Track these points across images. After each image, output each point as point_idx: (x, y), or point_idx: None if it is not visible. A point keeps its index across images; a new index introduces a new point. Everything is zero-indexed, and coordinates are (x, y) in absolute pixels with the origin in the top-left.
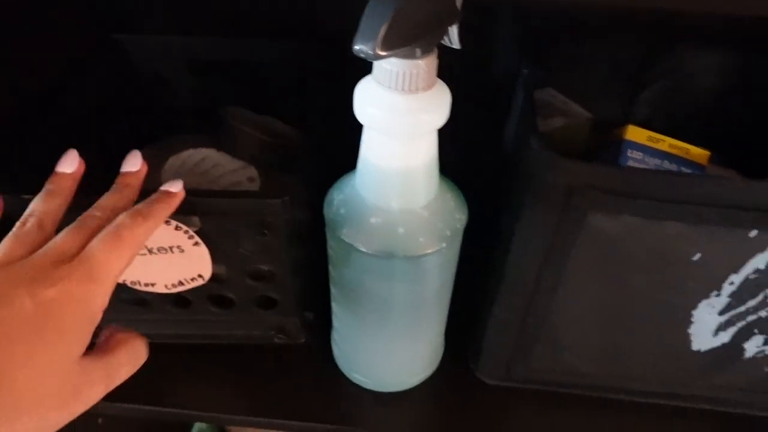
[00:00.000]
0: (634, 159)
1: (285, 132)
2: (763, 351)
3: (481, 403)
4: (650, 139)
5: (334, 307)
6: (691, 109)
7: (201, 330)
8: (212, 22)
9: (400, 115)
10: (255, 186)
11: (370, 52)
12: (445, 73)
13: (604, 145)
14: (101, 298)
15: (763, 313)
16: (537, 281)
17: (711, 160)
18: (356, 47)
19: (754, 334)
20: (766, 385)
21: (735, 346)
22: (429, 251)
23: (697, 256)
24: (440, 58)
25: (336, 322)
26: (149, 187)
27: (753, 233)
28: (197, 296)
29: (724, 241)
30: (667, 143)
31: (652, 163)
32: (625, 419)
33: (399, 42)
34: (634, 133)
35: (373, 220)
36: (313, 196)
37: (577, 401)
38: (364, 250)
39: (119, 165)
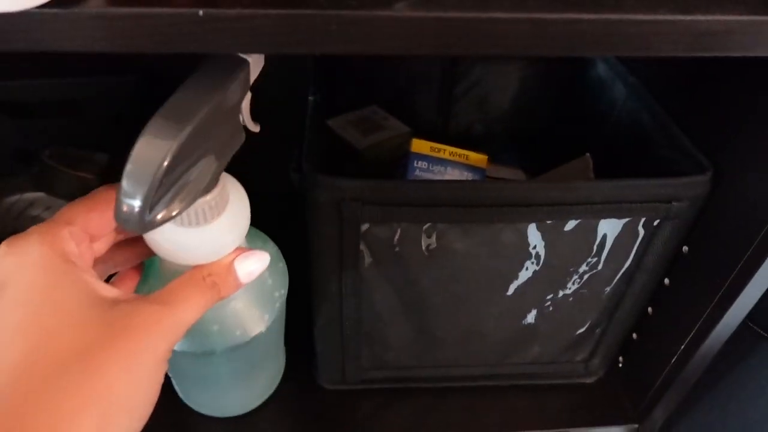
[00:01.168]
0: (420, 168)
1: (111, 165)
2: (555, 324)
3: (323, 408)
4: (432, 149)
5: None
6: (502, 114)
7: None
8: (26, 63)
9: (197, 248)
10: None
11: (134, 221)
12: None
13: (400, 158)
14: None
15: (549, 297)
16: (339, 288)
17: (495, 161)
18: (118, 219)
19: (546, 315)
20: (559, 356)
21: (530, 327)
22: (250, 337)
23: (471, 253)
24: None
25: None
26: None
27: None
28: None
29: (490, 236)
30: (447, 152)
31: (437, 170)
32: (449, 402)
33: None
34: (419, 146)
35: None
36: None
37: (407, 393)
38: (187, 350)
39: None
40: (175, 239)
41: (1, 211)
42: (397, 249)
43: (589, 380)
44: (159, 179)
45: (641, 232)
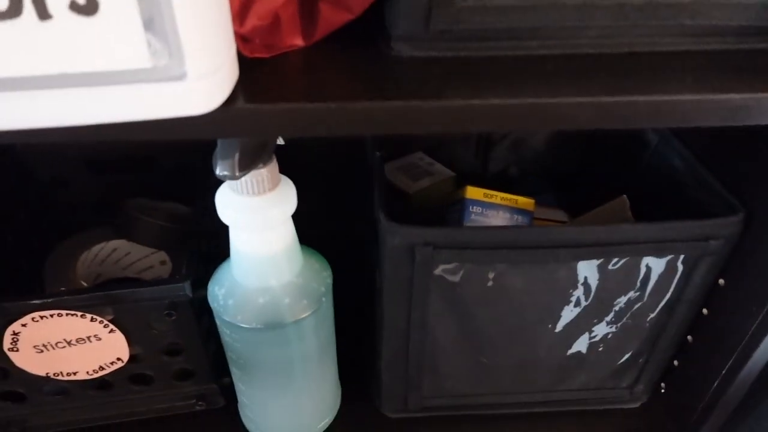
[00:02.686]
0: (475, 213)
1: (185, 213)
2: (601, 353)
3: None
4: (486, 195)
5: (238, 384)
6: (536, 156)
7: (124, 409)
8: None
9: (254, 213)
10: (167, 267)
11: (229, 174)
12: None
13: (455, 203)
14: None
15: (598, 327)
16: (407, 323)
17: (539, 203)
18: (219, 173)
19: (593, 344)
20: (605, 383)
21: (578, 356)
22: (313, 310)
23: (528, 290)
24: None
25: (241, 396)
26: (64, 285)
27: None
28: (118, 378)
29: (544, 274)
30: (499, 197)
31: (490, 214)
32: (503, 428)
33: (248, 164)
34: (473, 192)
35: (261, 300)
36: (211, 271)
37: (465, 420)
38: (260, 327)
39: (22, 267)
40: (239, 206)
41: (90, 258)
42: (461, 288)
43: (633, 405)
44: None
45: (680, 267)
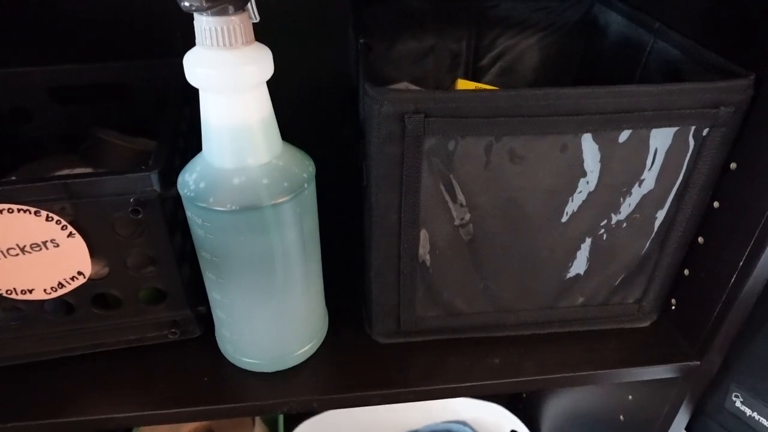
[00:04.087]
0: None
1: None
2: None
3: (378, 363)
4: (478, 88)
5: (214, 295)
6: (527, 83)
7: (89, 339)
8: (70, 49)
9: (226, 69)
10: None
11: (196, 3)
12: None
13: None
14: None
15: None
16: (398, 216)
17: None
18: (184, 3)
19: (600, 244)
20: (611, 297)
21: (584, 260)
22: (294, 194)
23: (528, 171)
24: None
25: (219, 311)
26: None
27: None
28: (80, 299)
29: (546, 150)
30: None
31: None
32: (504, 351)
33: None
34: (464, 85)
35: (236, 180)
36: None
37: (461, 344)
38: (236, 208)
39: None
40: (209, 61)
41: None
42: (455, 167)
43: (643, 324)
44: None
45: (691, 143)
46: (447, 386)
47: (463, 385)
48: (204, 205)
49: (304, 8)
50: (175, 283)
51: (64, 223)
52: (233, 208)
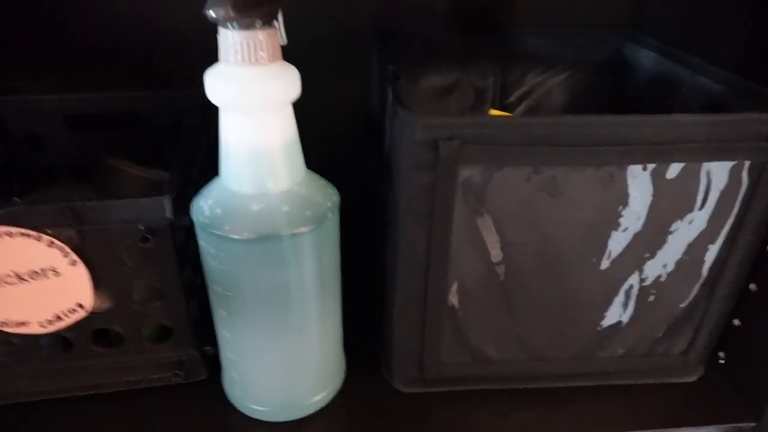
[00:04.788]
0: None
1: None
2: (653, 303)
3: (398, 414)
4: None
5: (224, 333)
6: None
7: (88, 379)
8: (87, 77)
9: (248, 86)
10: None
11: (222, 12)
12: None
13: None
14: None
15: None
16: (427, 249)
17: None
18: (209, 10)
19: (643, 288)
20: (655, 347)
21: (626, 304)
22: (316, 225)
23: (568, 205)
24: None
25: (228, 351)
26: None
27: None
28: (79, 334)
29: (589, 183)
30: None
31: None
32: (537, 405)
33: (246, 5)
34: (496, 114)
35: (255, 207)
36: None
37: (490, 396)
38: (253, 237)
39: None
40: (231, 77)
41: None
42: (490, 200)
43: (689, 378)
44: None
45: (745, 180)
46: None
47: None
48: (219, 232)
49: (327, 39)
50: (182, 320)
51: (67, 250)
52: (250, 236)
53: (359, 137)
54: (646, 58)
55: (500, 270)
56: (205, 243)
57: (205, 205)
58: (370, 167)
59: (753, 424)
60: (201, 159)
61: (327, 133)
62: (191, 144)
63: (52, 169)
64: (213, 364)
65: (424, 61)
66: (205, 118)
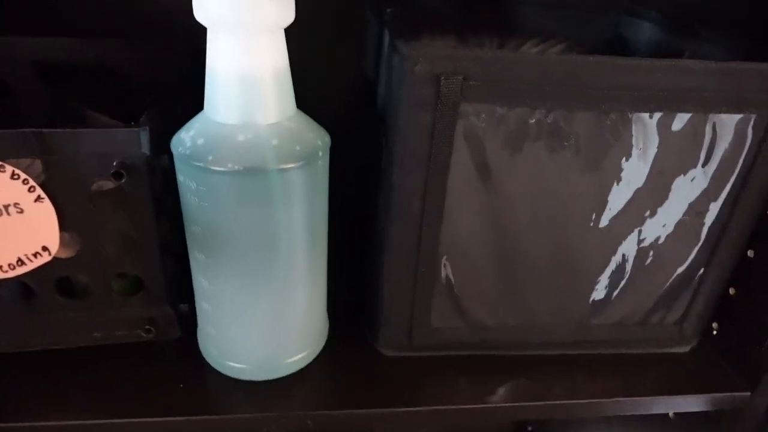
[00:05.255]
0: None
1: None
2: (650, 266)
3: (383, 379)
4: None
5: (201, 281)
6: None
7: (50, 333)
8: (63, 23)
9: (240, 1)
10: None
11: None
12: None
13: None
14: None
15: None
16: (422, 200)
17: None
18: None
19: (641, 250)
20: (650, 315)
21: (622, 267)
22: (304, 162)
23: (578, 152)
24: None
25: (205, 302)
26: None
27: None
28: (43, 281)
29: (593, 129)
30: None
31: None
32: (530, 373)
33: None
34: None
35: (241, 137)
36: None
37: (484, 362)
38: (238, 168)
39: None
40: None
41: None
42: (492, 147)
43: (683, 348)
44: None
45: (750, 136)
46: (463, 407)
47: (483, 406)
48: (201, 164)
49: (323, 3)
50: (156, 273)
51: (32, 183)
52: (235, 168)
53: (353, 102)
54: (645, 31)
55: (497, 227)
56: (184, 177)
57: (186, 137)
58: (362, 131)
59: (748, 393)
60: (180, 112)
61: (320, 98)
62: (172, 95)
63: (19, 119)
64: (188, 325)
65: (422, 27)
66: (190, 73)
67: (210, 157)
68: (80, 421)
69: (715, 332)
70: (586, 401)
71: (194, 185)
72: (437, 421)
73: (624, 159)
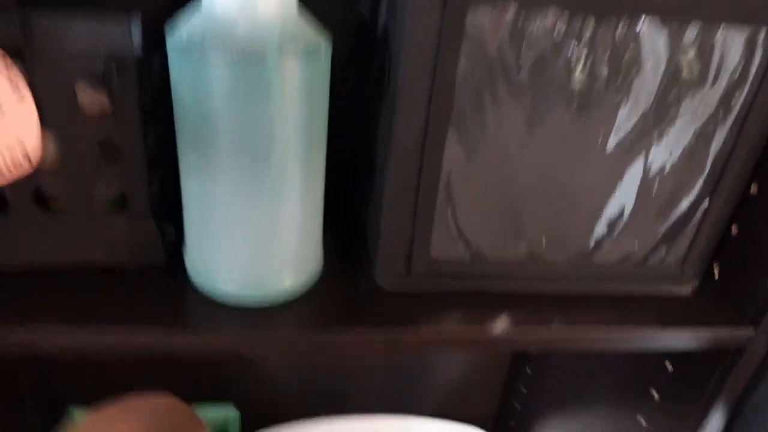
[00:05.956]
0: None
1: None
2: (656, 198)
3: (380, 311)
4: None
5: (191, 186)
6: None
7: (23, 254)
8: None
9: None
10: None
11: None
12: None
13: None
14: None
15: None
16: (426, 115)
17: None
18: None
19: (646, 180)
20: (653, 252)
21: (625, 197)
22: (305, 57)
23: (590, 63)
24: None
25: (194, 211)
26: None
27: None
28: (18, 191)
29: (602, 43)
30: None
31: None
32: (530, 305)
33: None
34: None
35: (240, 28)
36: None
37: (484, 294)
38: (235, 60)
39: None
40: None
41: None
42: (500, 55)
43: (684, 288)
44: None
45: (759, 52)
46: (461, 336)
47: (482, 337)
48: (197, 55)
49: None
50: (142, 187)
51: (15, 76)
52: (233, 57)
53: (349, 47)
54: None
55: (502, 149)
56: (178, 70)
57: (182, 27)
58: (364, 50)
59: (752, 332)
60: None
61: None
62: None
63: None
64: (174, 251)
65: None
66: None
67: (207, 48)
68: (50, 336)
69: (716, 275)
70: (586, 333)
71: (190, 79)
72: (434, 347)
73: (635, 70)
